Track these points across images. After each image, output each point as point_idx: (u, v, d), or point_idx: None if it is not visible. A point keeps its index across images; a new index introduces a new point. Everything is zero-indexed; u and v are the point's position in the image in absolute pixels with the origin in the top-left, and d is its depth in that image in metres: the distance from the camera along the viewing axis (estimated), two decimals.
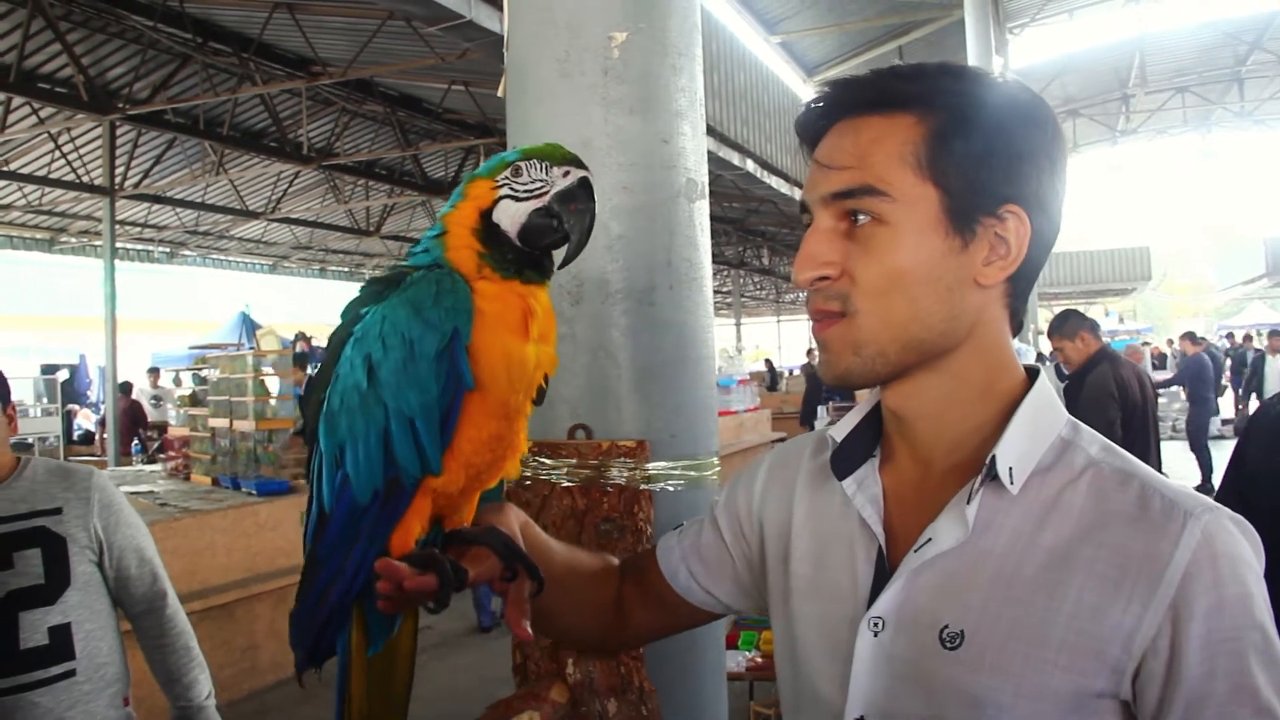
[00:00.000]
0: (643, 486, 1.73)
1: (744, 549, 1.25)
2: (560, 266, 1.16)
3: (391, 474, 1.04)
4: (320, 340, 19.57)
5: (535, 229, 1.10)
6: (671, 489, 1.77)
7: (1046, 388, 1.03)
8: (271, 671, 5.96)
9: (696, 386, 1.87)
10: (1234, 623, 0.86)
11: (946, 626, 0.95)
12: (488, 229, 1.10)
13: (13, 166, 15.22)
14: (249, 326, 16.83)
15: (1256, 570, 0.89)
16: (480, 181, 1.13)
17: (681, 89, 1.89)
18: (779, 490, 1.20)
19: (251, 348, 8.19)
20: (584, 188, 1.12)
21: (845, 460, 1.10)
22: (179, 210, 18.82)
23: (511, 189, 1.10)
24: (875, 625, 0.99)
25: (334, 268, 27.37)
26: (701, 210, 1.92)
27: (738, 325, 31.87)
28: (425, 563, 1.00)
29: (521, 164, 1.11)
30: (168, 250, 22.24)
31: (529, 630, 1.09)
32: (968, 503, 0.96)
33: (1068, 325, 5.62)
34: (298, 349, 14.94)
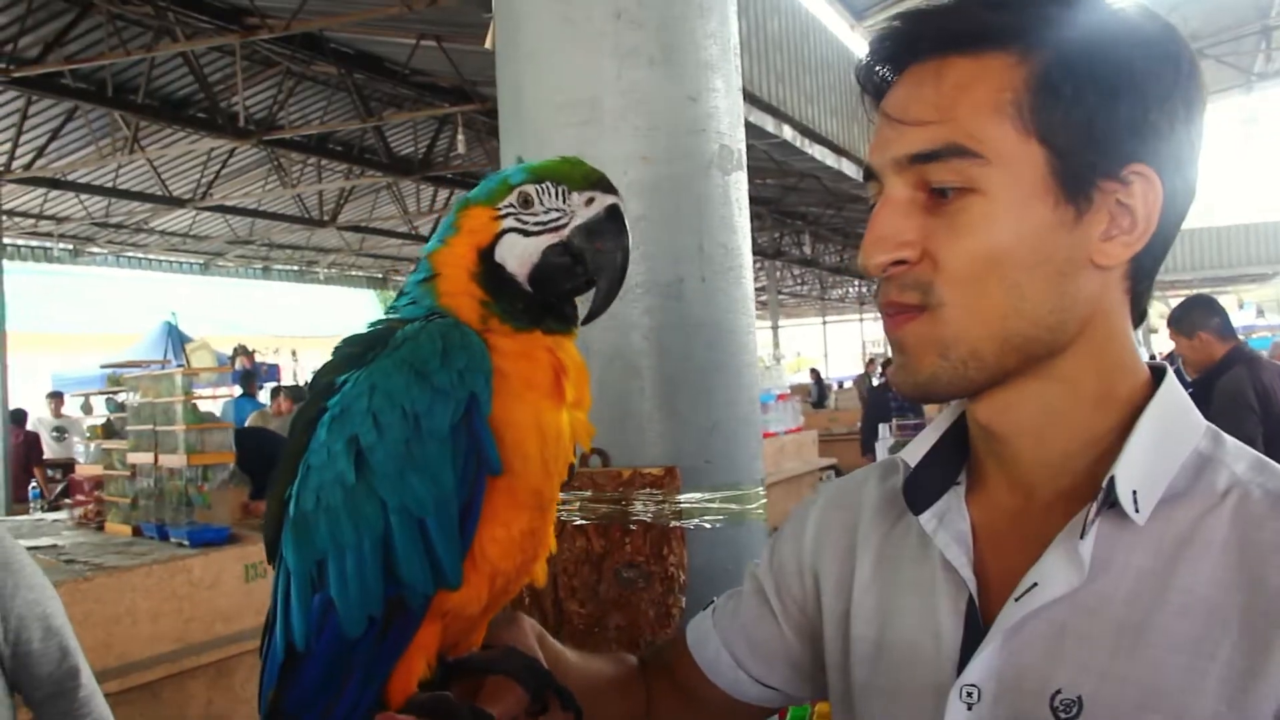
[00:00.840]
0: (673, 523, 1.75)
1: (797, 619, 1.23)
2: (585, 321, 1.12)
3: (393, 593, 0.98)
4: (266, 355, 19.68)
5: (551, 271, 1.07)
6: (709, 525, 1.79)
7: (1177, 391, 1.01)
8: None
9: (736, 400, 1.90)
10: None
11: (1059, 692, 0.93)
12: (489, 271, 1.07)
13: None
14: (176, 340, 16.91)
15: None
16: (476, 210, 1.09)
17: (711, 34, 1.91)
18: (837, 536, 1.19)
19: (180, 365, 8.25)
20: (613, 219, 1.08)
21: (922, 489, 1.08)
22: (84, 198, 18.92)
23: (519, 220, 1.07)
24: (969, 695, 0.97)
25: (280, 266, 27.50)
26: (738, 184, 1.94)
27: (774, 328, 31.85)
28: (438, 711, 0.96)
29: (531, 189, 1.07)
30: (70, 248, 22.34)
31: None
32: (1081, 537, 0.93)
33: (1186, 320, 5.59)
34: (238, 366, 15.05)
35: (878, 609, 1.10)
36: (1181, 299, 6.18)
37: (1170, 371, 1.04)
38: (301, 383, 21.75)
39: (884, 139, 0.98)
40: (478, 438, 0.98)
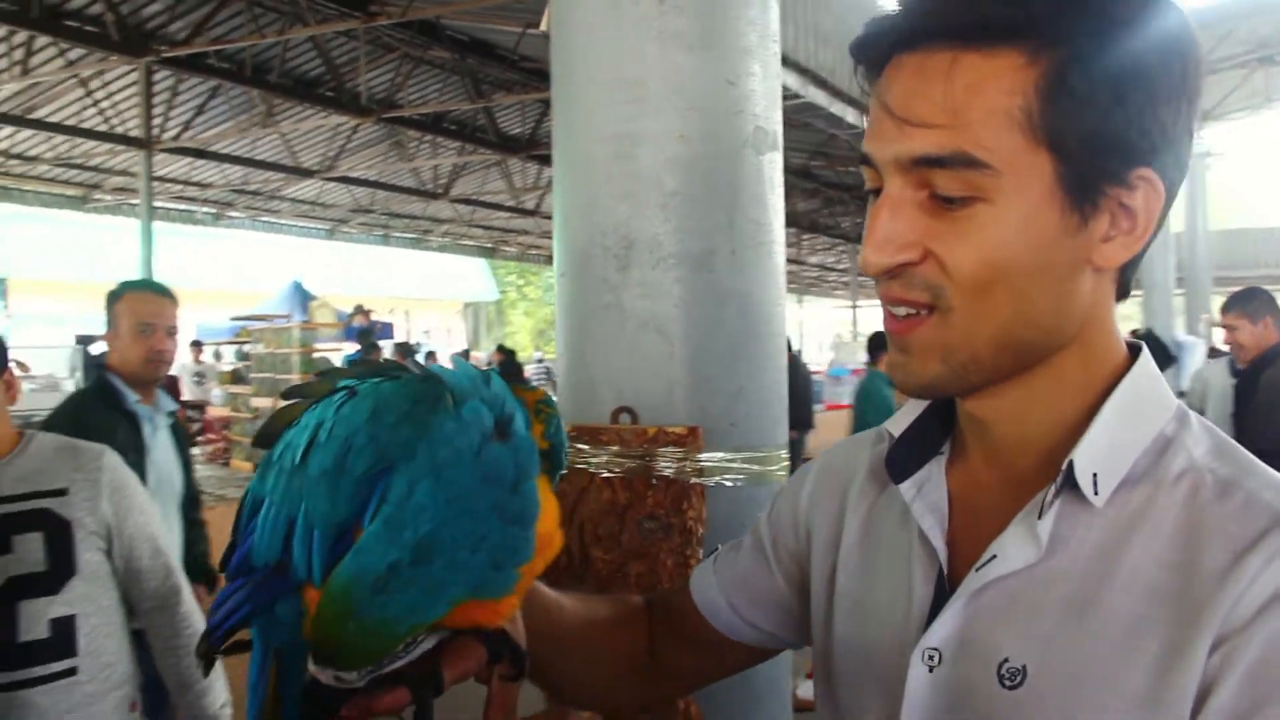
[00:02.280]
0: (694, 480, 1.72)
1: (790, 570, 1.20)
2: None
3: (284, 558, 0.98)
4: (382, 315, 19.98)
5: None
6: (729, 484, 1.76)
7: (1148, 371, 0.95)
8: None
9: (763, 369, 1.86)
10: None
11: (1006, 661, 0.89)
12: None
13: (40, 114, 15.76)
14: (302, 298, 17.22)
15: None
16: None
17: (752, 22, 1.87)
18: (829, 498, 1.16)
19: (301, 320, 8.39)
20: None
21: (904, 459, 1.04)
22: (224, 167, 19.37)
23: None
24: (930, 658, 0.94)
25: (398, 234, 27.89)
26: (773, 164, 1.90)
27: (854, 307, 31.60)
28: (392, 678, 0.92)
29: None
30: (213, 211, 22.92)
31: None
32: (1039, 516, 0.89)
33: (1255, 303, 5.27)
34: (356, 323, 15.30)
35: (861, 569, 1.07)
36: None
37: (1145, 351, 0.97)
38: (413, 341, 22.10)
39: (884, 133, 0.88)
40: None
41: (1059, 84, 0.83)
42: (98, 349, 18.29)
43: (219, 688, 2.63)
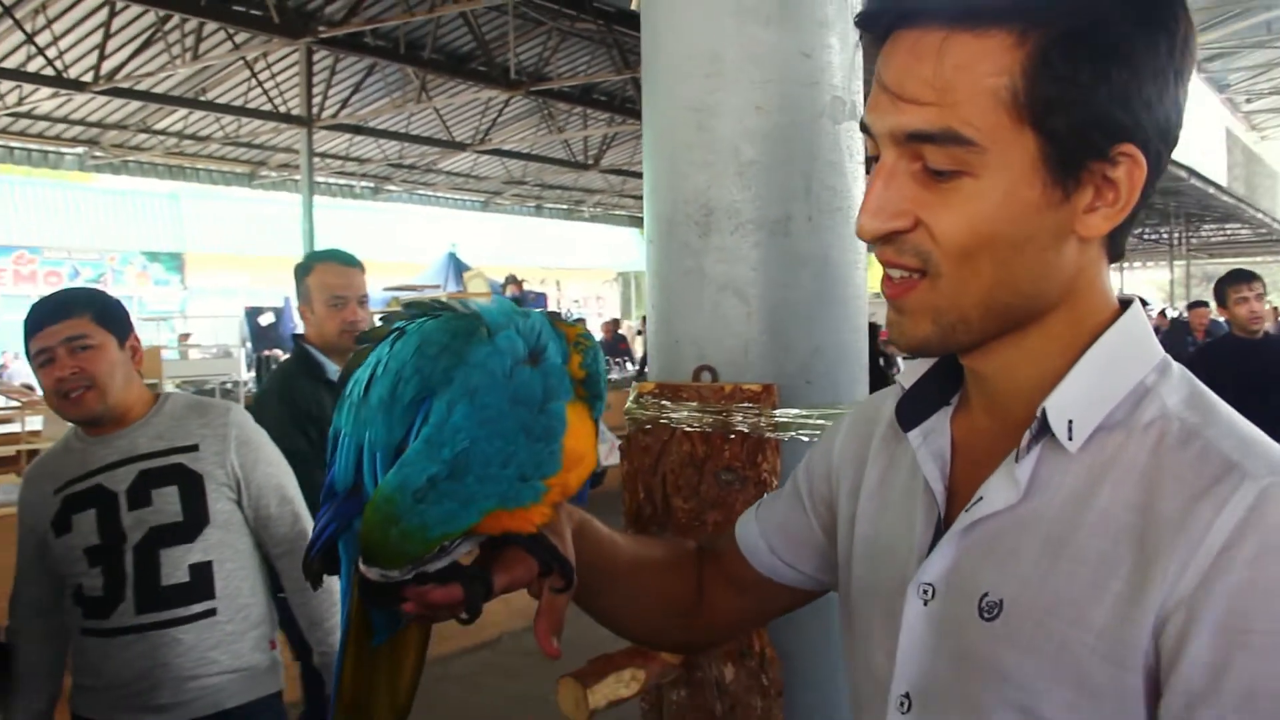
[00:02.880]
0: (768, 435, 1.81)
1: (824, 516, 1.26)
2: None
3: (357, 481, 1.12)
4: (534, 285, 20.34)
5: None
6: (805, 439, 1.84)
7: (1136, 323, 0.98)
8: (453, 639, 6.37)
9: (839, 329, 1.93)
10: (1269, 612, 0.79)
11: (986, 595, 0.94)
12: None
13: (210, 96, 16.54)
14: (457, 268, 17.61)
15: None
16: None
17: None
18: (856, 447, 1.21)
19: (456, 289, 8.59)
20: None
21: (914, 409, 1.08)
22: (382, 143, 20.00)
23: None
24: (925, 593, 1.00)
25: (550, 204, 28.30)
26: (851, 132, 1.96)
27: None
28: (444, 574, 1.00)
29: None
30: (371, 185, 23.65)
31: (557, 647, 1.09)
32: (1017, 461, 0.94)
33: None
34: (508, 293, 15.64)
35: (876, 514, 1.13)
36: None
37: (1136, 304, 1.01)
38: (564, 310, 22.42)
39: (880, 106, 0.93)
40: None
41: (1044, 64, 0.86)
42: (266, 320, 19.17)
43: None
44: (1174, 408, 0.93)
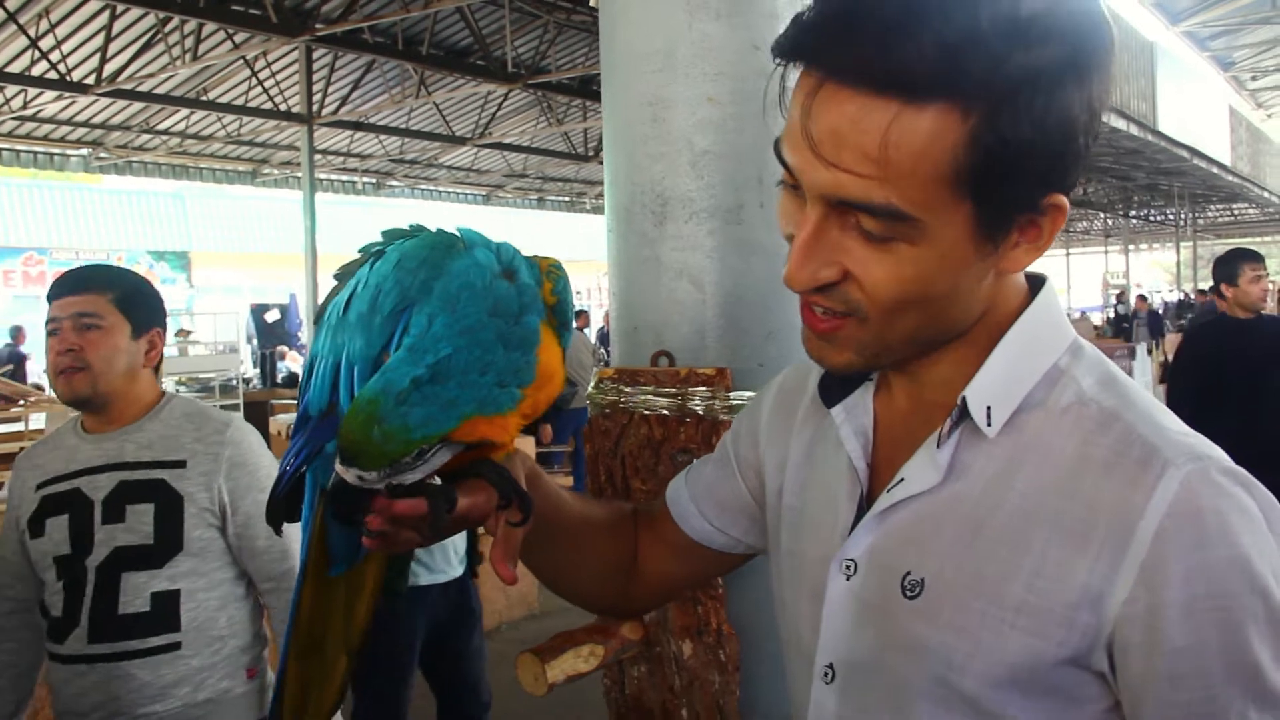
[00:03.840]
0: (723, 417, 1.86)
1: (751, 482, 1.29)
2: None
3: (333, 400, 1.15)
4: None
5: None
6: None
7: (1048, 304, 1.01)
8: None
9: (791, 314, 1.94)
10: (1224, 589, 0.84)
11: (909, 573, 0.98)
12: None
13: (211, 96, 16.62)
14: None
15: (1258, 530, 0.87)
16: None
17: None
18: (782, 419, 1.24)
19: None
20: None
21: (838, 384, 1.11)
22: (383, 138, 20.04)
23: None
24: (848, 568, 1.03)
25: (552, 197, 28.30)
26: None
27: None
28: (414, 488, 1.01)
29: None
30: (373, 181, 23.68)
31: (514, 572, 1.10)
32: (938, 446, 0.97)
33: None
34: None
35: (802, 487, 1.16)
36: None
37: (1047, 287, 1.03)
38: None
39: (808, 163, 0.88)
40: None
41: (987, 139, 0.84)
42: (272, 316, 19.25)
43: None
44: (1090, 390, 0.96)
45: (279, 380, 17.07)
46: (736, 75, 1.94)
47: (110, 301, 2.33)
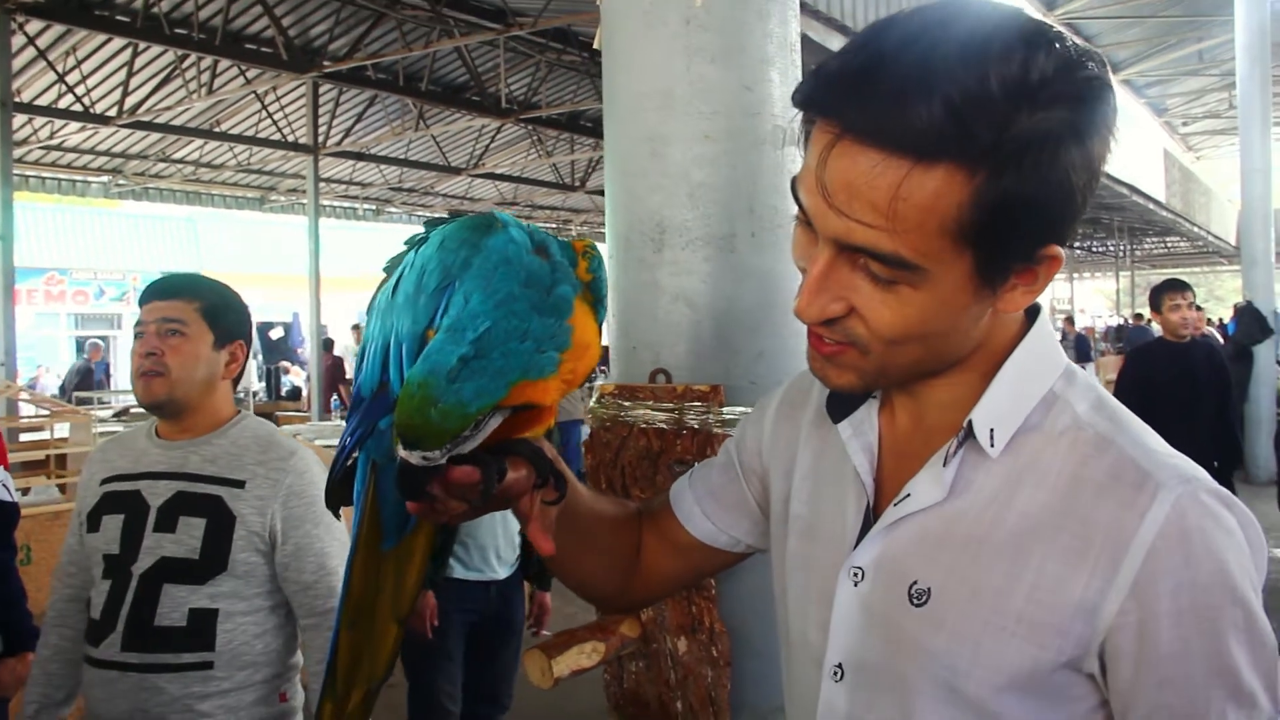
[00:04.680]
0: (716, 430, 1.87)
1: (755, 487, 1.29)
2: None
3: (383, 379, 1.14)
4: None
5: None
6: None
7: (1043, 334, 1.02)
8: None
9: (781, 335, 1.99)
10: (1208, 600, 0.87)
11: (916, 582, 0.99)
12: None
13: (223, 127, 16.59)
14: None
15: (1238, 547, 0.89)
16: None
17: (769, 34, 2.00)
18: (787, 429, 1.24)
19: None
20: None
21: (843, 401, 1.11)
22: (383, 168, 20.03)
23: None
24: (855, 575, 1.04)
25: (541, 224, 28.25)
26: (792, 157, 2.03)
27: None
28: (472, 459, 1.00)
29: None
30: (373, 208, 23.64)
31: (552, 544, 1.12)
32: (944, 464, 0.98)
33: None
34: None
35: (811, 496, 1.16)
36: None
37: (1042, 317, 1.04)
38: None
39: (821, 209, 0.89)
40: None
41: (990, 197, 0.84)
42: (276, 334, 19.13)
43: None
44: (1084, 415, 0.98)
45: (282, 394, 17.01)
46: (730, 114, 1.96)
47: (196, 310, 2.25)
